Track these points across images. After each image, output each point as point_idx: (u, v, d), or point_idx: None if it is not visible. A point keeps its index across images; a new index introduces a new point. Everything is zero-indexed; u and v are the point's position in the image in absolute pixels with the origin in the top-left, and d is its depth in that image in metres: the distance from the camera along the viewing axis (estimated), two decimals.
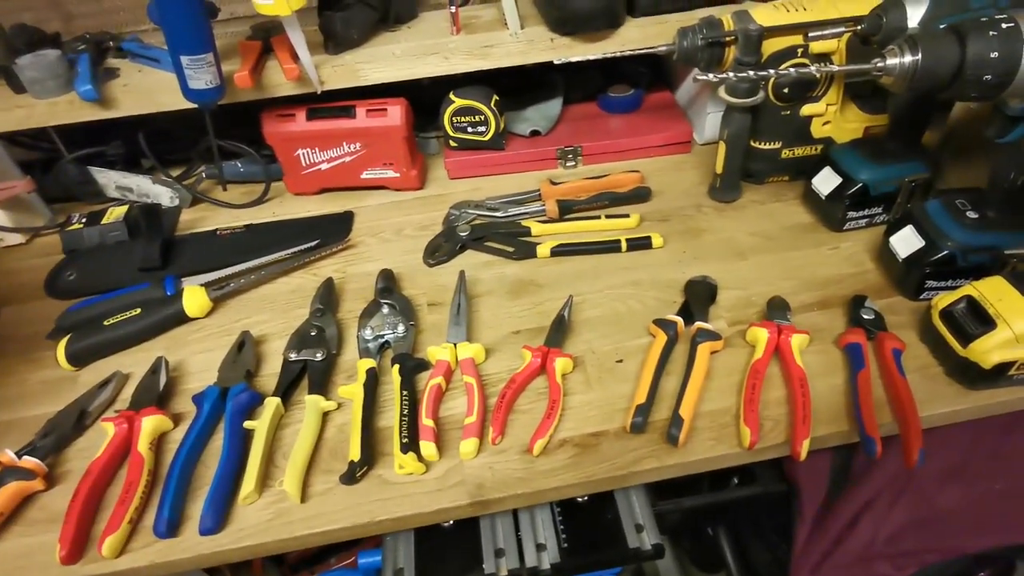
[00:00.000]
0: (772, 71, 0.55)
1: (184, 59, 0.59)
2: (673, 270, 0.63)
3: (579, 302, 0.60)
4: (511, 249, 0.67)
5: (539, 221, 0.69)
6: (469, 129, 0.75)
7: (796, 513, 0.63)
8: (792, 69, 0.54)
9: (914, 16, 0.51)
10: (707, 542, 0.76)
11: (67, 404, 0.54)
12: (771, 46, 0.61)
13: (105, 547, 0.43)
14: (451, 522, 0.61)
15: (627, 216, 0.69)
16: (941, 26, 0.46)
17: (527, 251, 0.66)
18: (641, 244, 0.66)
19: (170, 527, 0.45)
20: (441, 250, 0.67)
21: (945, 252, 0.52)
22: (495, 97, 0.74)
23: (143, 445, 0.48)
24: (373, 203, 0.75)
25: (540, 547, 0.59)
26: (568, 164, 0.78)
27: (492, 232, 0.68)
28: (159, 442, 0.51)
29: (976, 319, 0.47)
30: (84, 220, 0.72)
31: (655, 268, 0.63)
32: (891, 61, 0.46)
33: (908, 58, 0.45)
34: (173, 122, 0.72)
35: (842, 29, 0.57)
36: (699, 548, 0.77)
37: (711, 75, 0.57)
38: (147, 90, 0.68)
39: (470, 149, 0.77)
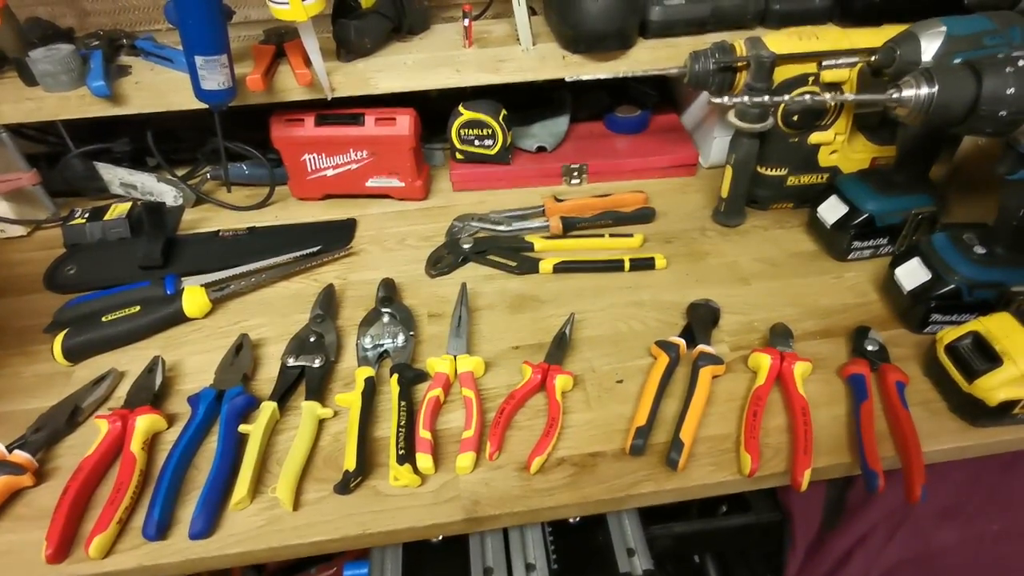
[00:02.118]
0: (787, 96, 0.55)
1: (199, 59, 0.59)
2: (675, 292, 0.63)
3: (580, 320, 0.60)
4: (513, 264, 0.67)
5: (542, 237, 0.69)
6: (476, 142, 0.76)
7: (788, 543, 0.62)
8: (808, 96, 0.54)
9: (928, 50, 0.52)
10: (691, 569, 0.75)
11: (61, 399, 0.53)
12: (782, 73, 0.62)
13: (92, 547, 0.42)
14: (440, 537, 0.60)
15: (631, 236, 0.69)
16: (956, 61, 0.47)
17: (529, 266, 0.66)
18: (644, 264, 0.66)
19: (160, 529, 0.44)
20: (443, 262, 0.67)
21: (952, 286, 0.52)
22: (503, 111, 0.74)
23: (136, 445, 0.48)
24: (376, 212, 0.75)
25: (529, 567, 0.58)
26: (573, 181, 0.79)
27: (495, 246, 0.68)
28: (152, 442, 0.50)
29: (982, 355, 0.47)
30: (87, 215, 0.72)
31: (657, 289, 0.63)
32: (907, 93, 0.47)
33: (924, 90, 0.46)
34: (179, 122, 0.73)
35: (856, 59, 0.58)
36: (682, 572, 0.76)
37: (726, 98, 0.57)
38: (159, 89, 0.68)
39: (476, 162, 0.77)
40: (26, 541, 0.44)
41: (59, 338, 0.57)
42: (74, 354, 0.57)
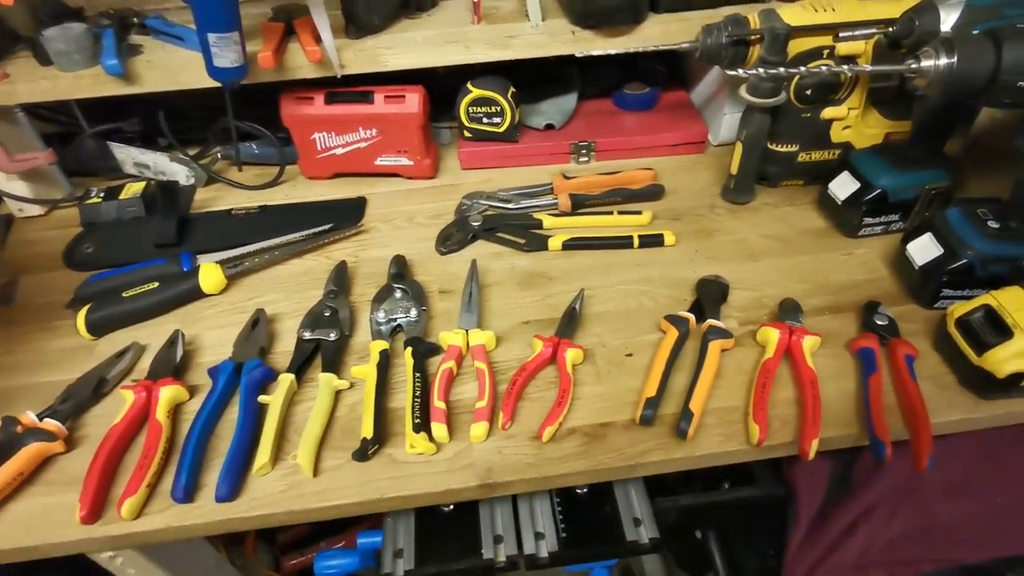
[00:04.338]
0: (803, 68, 0.54)
1: (211, 36, 0.59)
2: (685, 268, 0.63)
3: (590, 296, 0.60)
4: (522, 241, 0.67)
5: (551, 214, 0.69)
6: (484, 120, 0.75)
7: (791, 517, 0.63)
8: (824, 67, 0.53)
9: (947, 21, 0.51)
10: (694, 545, 0.76)
11: (86, 371, 0.55)
12: (797, 46, 0.61)
13: (124, 508, 0.44)
14: (451, 506, 0.62)
15: (639, 213, 0.69)
16: (975, 32, 0.46)
17: (538, 243, 0.66)
18: (653, 241, 0.66)
19: (187, 493, 0.46)
20: (453, 239, 0.68)
21: (964, 261, 0.52)
22: (512, 89, 0.74)
23: (161, 413, 0.49)
24: (385, 190, 0.76)
25: (539, 535, 0.60)
26: (581, 159, 0.78)
27: (504, 223, 0.69)
28: (175, 412, 0.52)
29: (993, 328, 0.47)
30: (102, 194, 0.73)
31: (667, 266, 0.64)
32: (926, 63, 0.46)
33: (943, 60, 0.45)
34: (188, 101, 0.73)
35: (873, 31, 0.57)
36: (686, 551, 0.78)
37: (740, 70, 0.57)
38: (171, 67, 0.68)
39: (484, 140, 0.77)
40: (60, 504, 0.46)
41: (82, 313, 0.58)
42: (97, 328, 0.59)
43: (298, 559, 0.89)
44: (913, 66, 0.47)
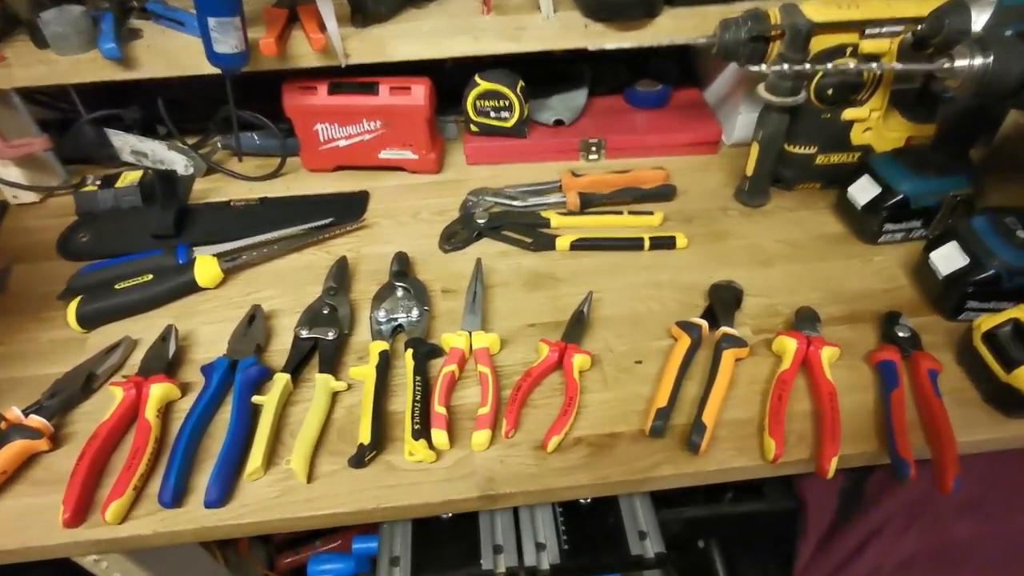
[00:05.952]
0: (829, 64, 0.52)
1: (211, 21, 0.58)
2: (696, 273, 0.61)
3: (598, 299, 0.59)
4: (529, 240, 0.65)
5: (559, 213, 0.68)
6: (492, 114, 0.74)
7: (800, 532, 0.61)
8: (852, 64, 0.51)
9: (978, 21, 0.49)
10: (696, 555, 0.74)
11: (75, 366, 0.53)
12: (819, 44, 0.59)
13: (109, 512, 0.43)
14: (450, 514, 0.61)
15: (650, 214, 0.67)
16: (1007, 33, 0.44)
17: (545, 243, 0.65)
18: (664, 244, 0.64)
19: (175, 497, 0.44)
20: (457, 236, 0.66)
21: (992, 271, 0.50)
22: (521, 83, 0.72)
23: (151, 412, 0.48)
24: (389, 184, 0.74)
25: (540, 546, 0.58)
26: (591, 157, 0.77)
27: (510, 221, 0.67)
28: (166, 410, 0.50)
29: (1022, 344, 0.45)
30: (99, 183, 0.71)
31: (677, 269, 0.62)
32: (959, 63, 0.44)
33: (978, 60, 0.43)
34: (189, 91, 0.71)
35: (900, 28, 0.55)
36: (687, 561, 0.76)
37: (763, 66, 0.55)
38: (170, 52, 0.66)
39: (491, 135, 0.75)
40: (43, 504, 0.45)
41: (73, 305, 0.57)
42: (88, 321, 0.57)
43: (293, 557, 0.88)
44: (946, 66, 0.45)
